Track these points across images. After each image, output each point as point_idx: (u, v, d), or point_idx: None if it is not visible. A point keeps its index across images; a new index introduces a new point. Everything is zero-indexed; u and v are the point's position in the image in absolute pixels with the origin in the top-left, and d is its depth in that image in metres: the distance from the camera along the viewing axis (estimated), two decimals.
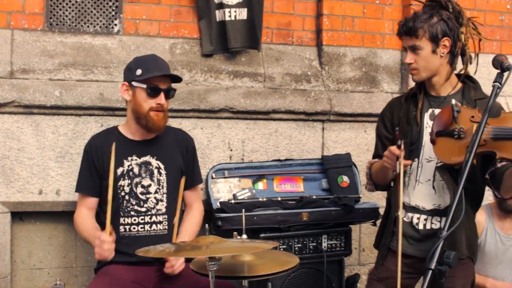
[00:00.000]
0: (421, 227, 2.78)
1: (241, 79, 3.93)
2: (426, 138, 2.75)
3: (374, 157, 3.07)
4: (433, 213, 2.75)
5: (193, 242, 2.44)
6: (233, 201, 3.59)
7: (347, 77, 4.16)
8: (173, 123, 3.67)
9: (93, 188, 3.07)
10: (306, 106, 3.98)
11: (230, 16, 3.83)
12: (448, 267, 1.96)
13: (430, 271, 1.97)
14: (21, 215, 3.63)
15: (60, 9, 3.75)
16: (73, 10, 3.77)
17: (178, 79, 3.07)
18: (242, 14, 3.84)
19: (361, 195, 3.80)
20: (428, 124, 2.77)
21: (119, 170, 3.03)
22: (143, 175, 3.06)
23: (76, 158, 3.59)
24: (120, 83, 3.61)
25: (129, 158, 3.06)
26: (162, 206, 3.06)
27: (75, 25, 3.78)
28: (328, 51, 4.15)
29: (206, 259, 2.25)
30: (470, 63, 2.83)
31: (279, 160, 3.91)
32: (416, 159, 2.79)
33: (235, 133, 3.88)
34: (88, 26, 3.81)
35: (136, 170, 3.05)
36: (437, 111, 2.73)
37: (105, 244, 2.73)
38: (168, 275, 2.97)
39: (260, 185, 3.83)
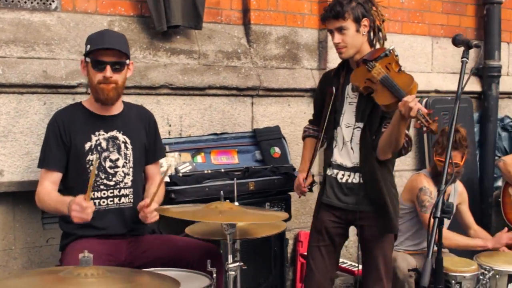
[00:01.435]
0: (344, 181, 3.18)
1: (178, 56, 4.06)
2: (346, 107, 3.16)
3: (309, 122, 3.53)
4: (353, 170, 3.15)
5: (210, 207, 2.64)
6: (180, 174, 3.76)
7: (272, 54, 4.43)
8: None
9: (59, 163, 3.08)
10: (238, 82, 4.21)
11: None
12: (449, 216, 2.33)
13: (437, 219, 2.33)
14: None
15: None
16: None
17: (124, 53, 3.10)
18: None
19: (293, 165, 4.13)
20: (348, 95, 3.18)
21: (87, 145, 3.08)
22: (111, 149, 3.13)
23: (20, 137, 3.56)
24: (61, 60, 3.66)
25: (97, 133, 3.11)
26: (128, 180, 3.17)
27: (12, 1, 3.68)
28: (256, 30, 4.38)
29: (223, 225, 2.48)
30: (385, 39, 3.24)
31: (215, 134, 4.12)
32: (339, 126, 3.19)
33: (173, 109, 4.02)
34: (25, 2, 3.72)
35: (104, 144, 3.12)
36: None
37: (88, 208, 2.79)
38: (138, 247, 3.12)
39: (199, 159, 4.02)
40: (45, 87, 3.61)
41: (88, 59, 3.03)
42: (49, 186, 3.08)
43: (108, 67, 3.00)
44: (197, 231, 2.92)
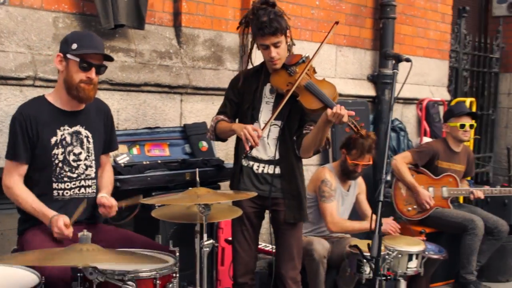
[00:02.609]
0: (260, 172, 3.59)
1: (117, 54, 4.32)
2: (263, 105, 3.57)
3: (219, 113, 3.73)
4: (269, 162, 3.57)
5: (186, 193, 3.00)
6: (122, 164, 4.04)
7: (200, 55, 4.80)
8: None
9: (27, 155, 3.24)
10: (170, 80, 4.54)
11: None
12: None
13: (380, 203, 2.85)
14: None
15: None
16: None
17: (110, 59, 3.40)
18: None
19: (219, 157, 4.54)
20: (265, 95, 3.59)
21: (53, 140, 3.26)
22: (74, 143, 3.33)
23: None
24: (10, 52, 3.82)
25: (62, 128, 3.29)
26: (91, 172, 3.40)
27: None
28: (186, 32, 4.72)
29: (199, 207, 2.86)
30: (294, 45, 3.66)
31: (149, 128, 4.43)
32: (256, 121, 3.57)
33: (111, 103, 4.25)
34: None
35: (68, 139, 3.32)
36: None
37: (69, 234, 3.09)
38: (95, 234, 3.38)
39: (135, 151, 4.31)
40: None
41: (71, 57, 3.17)
42: (19, 180, 3.24)
43: (94, 69, 3.21)
44: (163, 215, 3.25)
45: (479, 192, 5.13)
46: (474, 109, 6.93)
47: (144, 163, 4.16)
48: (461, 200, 5.87)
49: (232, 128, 3.50)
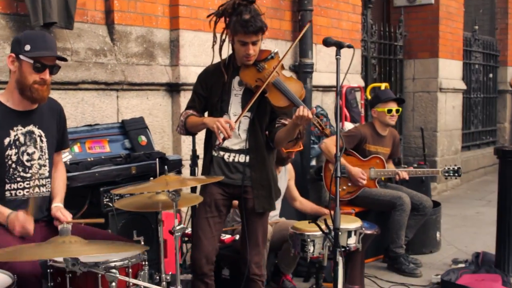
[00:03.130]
0: (230, 160, 3.75)
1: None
2: (232, 98, 3.72)
3: (189, 107, 3.85)
4: (239, 152, 3.73)
5: (157, 180, 3.14)
6: (68, 162, 4.07)
7: (133, 52, 4.87)
8: None
9: None
10: (106, 77, 4.59)
11: None
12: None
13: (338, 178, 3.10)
14: None
15: None
16: None
17: (64, 59, 3.42)
18: None
19: (160, 151, 4.64)
20: (234, 88, 3.73)
21: (6, 141, 3.26)
22: (28, 143, 3.34)
23: None
24: None
25: (15, 128, 3.29)
26: (45, 171, 3.43)
27: None
28: (118, 30, 4.78)
29: (169, 193, 3.00)
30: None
31: (89, 125, 4.47)
32: (226, 113, 3.74)
33: None
34: None
35: (22, 139, 3.32)
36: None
37: (30, 224, 3.13)
38: (52, 231, 3.42)
39: (76, 148, 4.34)
40: None
41: (25, 58, 3.18)
42: None
43: (47, 70, 3.23)
44: (127, 204, 3.35)
45: (404, 173, 5.48)
46: None
47: (89, 159, 4.20)
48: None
49: (204, 121, 3.61)
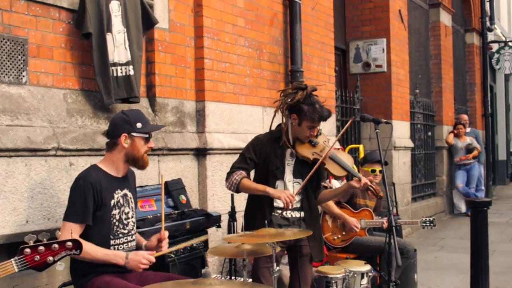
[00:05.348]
0: (288, 216, 4.46)
1: None
2: (286, 167, 4.48)
3: (240, 168, 4.45)
4: (295, 210, 4.46)
5: (259, 232, 3.82)
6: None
7: (169, 121, 5.54)
8: (72, 160, 4.53)
9: (88, 217, 3.80)
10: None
11: (121, 73, 4.83)
12: None
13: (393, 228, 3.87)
14: None
15: None
16: None
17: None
18: (131, 71, 4.90)
19: (200, 208, 5.29)
20: (287, 158, 4.49)
21: (112, 202, 3.88)
22: (125, 204, 3.96)
23: (9, 195, 4.12)
24: (37, 127, 4.35)
25: (117, 192, 3.92)
26: (134, 227, 4.05)
27: None
28: (159, 101, 5.45)
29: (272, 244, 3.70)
30: None
31: (140, 186, 5.06)
32: (281, 180, 4.47)
33: None
34: (4, 76, 4.29)
35: (121, 201, 3.94)
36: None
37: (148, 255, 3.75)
38: (142, 279, 4.00)
39: None
40: (27, 151, 4.23)
41: (137, 135, 3.83)
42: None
43: (151, 139, 3.93)
44: (219, 252, 4.01)
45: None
46: (362, 153, 8.27)
47: (149, 217, 4.80)
48: None
49: (267, 191, 4.28)
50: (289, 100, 4.41)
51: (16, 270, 2.75)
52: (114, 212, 3.88)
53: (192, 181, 5.73)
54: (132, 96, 4.98)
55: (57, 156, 4.46)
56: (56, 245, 2.78)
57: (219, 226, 5.22)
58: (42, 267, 2.80)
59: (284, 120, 4.47)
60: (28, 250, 2.74)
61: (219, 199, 5.92)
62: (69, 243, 2.80)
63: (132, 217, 4.02)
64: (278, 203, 4.41)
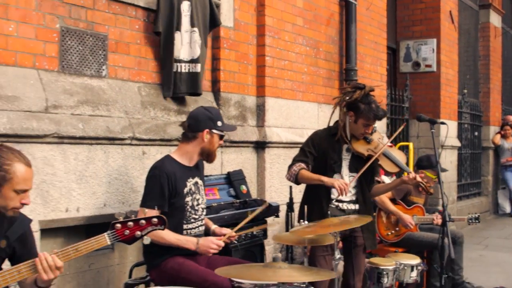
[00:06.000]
0: (344, 208, 4.71)
1: (181, 115, 5.24)
2: (343, 161, 4.72)
3: (298, 160, 4.72)
4: (350, 202, 4.71)
5: (323, 222, 4.07)
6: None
7: (232, 114, 5.83)
8: (145, 149, 4.85)
9: (164, 204, 4.10)
10: None
11: (185, 69, 5.14)
12: None
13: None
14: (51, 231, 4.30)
15: (69, 55, 4.50)
16: (77, 56, 4.55)
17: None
18: (195, 68, 5.21)
19: (259, 198, 5.57)
20: (343, 153, 4.72)
21: (185, 190, 4.17)
22: (196, 191, 4.26)
23: (90, 180, 4.46)
24: (115, 118, 4.67)
25: (189, 180, 4.21)
26: (203, 212, 4.34)
27: (78, 68, 4.57)
28: (223, 96, 5.75)
29: (334, 233, 3.96)
30: None
31: (205, 176, 5.34)
32: (338, 173, 4.72)
33: None
34: (87, 70, 4.63)
35: (193, 188, 4.24)
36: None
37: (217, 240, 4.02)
38: (210, 262, 4.28)
39: None
40: (106, 139, 4.56)
41: (217, 132, 4.15)
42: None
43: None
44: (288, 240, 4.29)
45: (439, 220, 6.53)
46: (412, 151, 8.46)
47: (214, 205, 5.10)
48: None
49: (322, 179, 4.51)
50: (348, 98, 4.62)
51: (109, 242, 3.04)
52: (187, 199, 4.18)
53: (251, 172, 6.01)
54: (195, 92, 5.28)
55: (132, 145, 4.78)
56: (143, 221, 3.06)
57: (277, 216, 5.49)
58: (131, 240, 3.07)
59: (341, 117, 4.71)
60: (118, 225, 3.03)
61: (276, 191, 6.19)
62: (155, 219, 3.07)
63: (202, 203, 4.31)
64: (335, 195, 4.66)
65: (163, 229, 3.14)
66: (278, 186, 6.22)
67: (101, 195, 4.55)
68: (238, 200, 5.33)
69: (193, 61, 5.22)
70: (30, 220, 3.24)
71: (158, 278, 4.12)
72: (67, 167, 4.31)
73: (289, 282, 3.49)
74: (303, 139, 6.35)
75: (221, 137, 4.24)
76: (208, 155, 4.25)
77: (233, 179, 5.56)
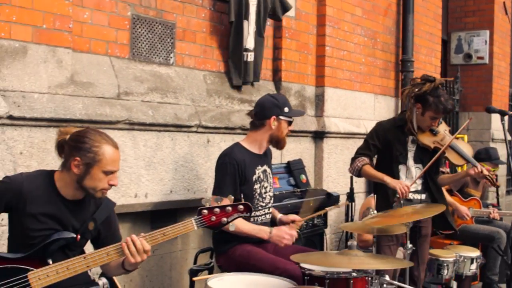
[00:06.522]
0: (411, 198, 4.65)
1: (243, 104, 5.27)
2: (409, 153, 4.70)
3: (362, 154, 4.70)
4: (416, 192, 4.66)
5: (396, 212, 4.08)
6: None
7: (292, 104, 5.71)
8: (209, 137, 4.88)
9: (235, 191, 4.11)
10: None
11: (250, 58, 5.16)
12: None
13: None
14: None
15: (139, 42, 4.55)
16: (146, 44, 4.60)
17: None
18: (257, 56, 5.24)
19: (319, 188, 5.58)
20: (409, 145, 4.68)
21: (254, 177, 4.19)
22: (264, 179, 4.28)
23: (158, 166, 4.51)
24: (182, 105, 4.70)
25: (258, 168, 4.23)
26: (271, 200, 4.35)
27: (147, 56, 4.62)
28: (284, 85, 5.76)
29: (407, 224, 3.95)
30: None
31: None
32: (404, 164, 4.69)
33: None
34: (155, 57, 4.68)
35: (261, 176, 4.26)
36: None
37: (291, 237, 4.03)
38: (277, 250, 4.29)
39: None
40: (174, 126, 4.60)
41: (284, 118, 4.14)
42: None
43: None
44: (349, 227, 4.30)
45: (496, 214, 6.46)
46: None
47: (276, 193, 5.11)
48: None
49: (385, 180, 4.50)
50: (417, 90, 4.58)
51: (196, 228, 3.07)
52: (255, 186, 4.20)
53: (309, 162, 6.01)
54: (255, 80, 5.31)
55: (197, 133, 4.82)
56: (229, 208, 3.08)
57: (338, 206, 5.49)
58: (217, 226, 3.09)
59: (409, 108, 4.67)
60: (205, 211, 3.06)
61: (333, 181, 6.19)
62: (241, 206, 3.08)
63: (269, 191, 4.33)
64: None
65: (249, 216, 3.16)
66: (335, 177, 6.21)
67: (168, 182, 4.60)
68: (299, 189, 5.35)
69: (255, 50, 5.23)
70: (114, 204, 3.30)
71: (226, 265, 4.16)
72: (136, 153, 4.37)
73: (364, 269, 3.49)
74: (359, 130, 6.40)
75: (289, 123, 4.24)
76: (277, 142, 4.26)
77: (293, 168, 5.57)
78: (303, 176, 5.59)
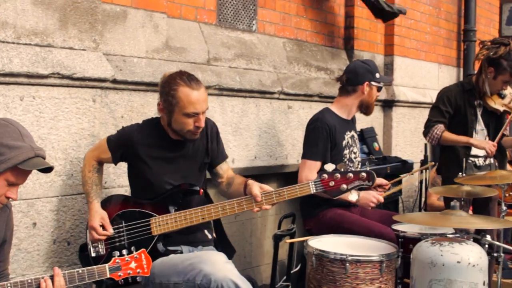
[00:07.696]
0: (480, 164, 4.70)
1: (320, 72, 5.29)
2: (478, 117, 4.67)
3: (438, 121, 4.65)
4: (484, 157, 4.67)
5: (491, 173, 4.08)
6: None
7: None
8: (290, 103, 4.91)
9: (327, 156, 4.10)
10: None
11: None
12: None
13: None
14: None
15: (225, 9, 4.57)
16: (231, 10, 4.62)
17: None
18: None
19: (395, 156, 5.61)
20: (477, 109, 4.68)
21: (343, 143, 4.21)
22: (353, 144, 4.29)
23: (243, 132, 4.55)
24: (265, 72, 4.73)
25: (347, 133, 4.24)
26: (359, 165, 4.37)
27: (232, 22, 4.64)
28: (356, 54, 5.76)
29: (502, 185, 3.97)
30: None
31: None
32: (474, 129, 4.69)
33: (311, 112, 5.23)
34: (239, 24, 4.70)
35: (350, 141, 4.27)
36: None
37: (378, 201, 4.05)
38: (363, 214, 4.32)
39: None
40: (258, 93, 4.63)
41: (375, 84, 4.15)
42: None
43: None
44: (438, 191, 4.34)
45: None
46: None
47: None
48: None
49: (470, 142, 4.54)
50: (492, 53, 4.55)
51: (313, 191, 3.09)
52: (345, 152, 4.22)
53: (378, 130, 6.01)
54: None
55: (279, 99, 4.84)
56: (351, 174, 3.04)
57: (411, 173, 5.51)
58: (335, 192, 3.07)
59: (484, 72, 4.64)
60: (325, 175, 3.06)
61: (401, 150, 6.19)
62: (363, 174, 3.04)
63: (358, 156, 4.35)
64: (476, 152, 4.65)
65: (371, 185, 3.14)
66: (403, 145, 6.22)
67: (252, 148, 4.64)
68: (374, 156, 5.37)
69: None
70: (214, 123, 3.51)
71: (316, 228, 4.18)
72: (224, 118, 4.41)
73: (471, 228, 3.50)
74: (425, 99, 6.39)
75: (379, 89, 4.24)
76: (367, 107, 4.27)
77: (366, 136, 5.59)
78: (375, 144, 5.61)
